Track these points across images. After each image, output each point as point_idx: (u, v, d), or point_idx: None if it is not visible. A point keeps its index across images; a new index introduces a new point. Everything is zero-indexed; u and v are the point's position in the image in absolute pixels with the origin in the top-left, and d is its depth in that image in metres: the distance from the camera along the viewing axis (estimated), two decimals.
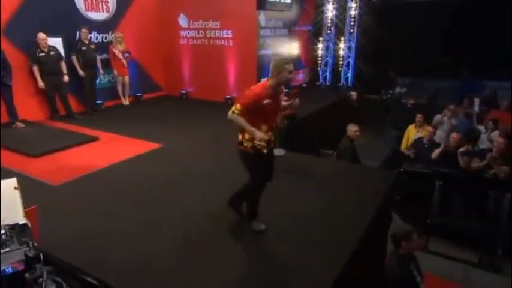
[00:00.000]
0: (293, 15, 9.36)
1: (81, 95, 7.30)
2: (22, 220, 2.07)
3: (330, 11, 10.15)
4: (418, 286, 2.58)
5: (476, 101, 6.68)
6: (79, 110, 7.21)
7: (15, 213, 2.17)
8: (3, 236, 1.90)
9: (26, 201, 2.58)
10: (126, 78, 7.88)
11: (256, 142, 2.92)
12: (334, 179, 4.46)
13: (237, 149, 3.11)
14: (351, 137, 5.34)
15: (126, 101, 8.04)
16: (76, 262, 2.71)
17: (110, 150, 5.25)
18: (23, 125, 6.21)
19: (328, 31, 10.26)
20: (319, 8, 10.25)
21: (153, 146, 5.38)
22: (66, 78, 6.72)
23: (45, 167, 4.57)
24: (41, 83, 6.50)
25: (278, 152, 4.73)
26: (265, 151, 3.04)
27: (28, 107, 6.54)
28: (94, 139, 5.59)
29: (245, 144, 3.03)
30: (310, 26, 10.31)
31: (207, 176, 4.35)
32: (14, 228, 2.01)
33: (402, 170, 4.52)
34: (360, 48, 10.04)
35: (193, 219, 3.40)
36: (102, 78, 7.77)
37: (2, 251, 1.82)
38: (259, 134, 2.86)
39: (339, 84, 10.32)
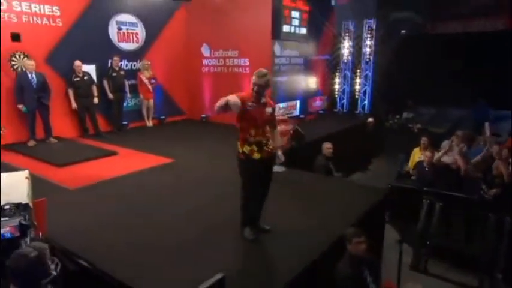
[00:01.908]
0: (309, 45, 9.84)
1: (109, 115, 8.05)
2: (25, 200, 2.52)
3: (345, 47, 10.58)
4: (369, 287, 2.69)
5: (487, 126, 6.67)
6: (106, 129, 7.92)
7: (22, 197, 2.63)
8: (7, 211, 2.37)
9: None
10: (151, 101, 8.57)
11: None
12: (327, 193, 4.67)
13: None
14: (326, 155, 5.62)
15: (149, 123, 8.68)
16: (73, 247, 3.13)
17: (125, 163, 5.77)
18: (55, 141, 6.94)
19: (345, 64, 10.65)
20: (335, 46, 10.71)
21: (166, 160, 5.85)
22: (95, 100, 7.48)
23: (65, 175, 5.15)
24: (74, 105, 7.29)
25: (279, 168, 4.99)
26: (256, 156, 3.25)
27: (62, 125, 7.32)
28: (113, 153, 6.17)
29: (239, 150, 3.33)
30: (327, 56, 10.73)
31: (211, 187, 4.71)
32: (18, 206, 2.47)
33: (390, 186, 4.64)
34: (376, 79, 10.29)
35: (189, 222, 3.74)
36: (129, 102, 8.51)
37: (2, 219, 2.27)
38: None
39: (356, 112, 10.53)
